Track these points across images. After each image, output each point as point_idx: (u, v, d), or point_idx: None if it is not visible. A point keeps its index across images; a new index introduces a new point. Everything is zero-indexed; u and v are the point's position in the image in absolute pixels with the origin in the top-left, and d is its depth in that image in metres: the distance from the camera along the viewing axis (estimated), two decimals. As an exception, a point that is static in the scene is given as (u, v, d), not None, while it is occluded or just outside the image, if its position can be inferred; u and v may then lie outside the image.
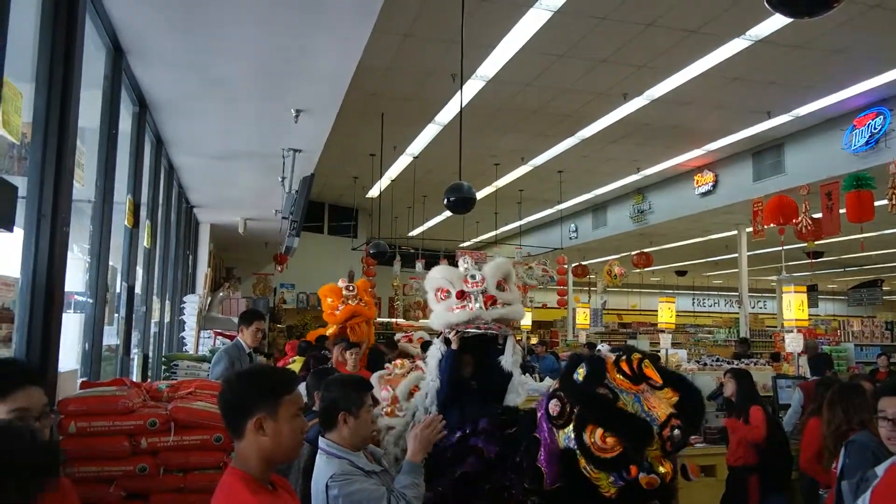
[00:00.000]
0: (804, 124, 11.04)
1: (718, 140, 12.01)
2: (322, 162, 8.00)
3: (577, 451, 2.51)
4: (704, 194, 13.67)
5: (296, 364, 6.48)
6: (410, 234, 19.58)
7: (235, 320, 6.89)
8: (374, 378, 4.49)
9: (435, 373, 3.66)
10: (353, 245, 18.65)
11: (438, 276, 3.76)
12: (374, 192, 15.68)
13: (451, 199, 7.88)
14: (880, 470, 2.66)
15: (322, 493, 2.48)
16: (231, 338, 6.77)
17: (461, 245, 19.91)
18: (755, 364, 10.77)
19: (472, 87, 9.64)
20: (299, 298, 20.46)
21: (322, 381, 3.07)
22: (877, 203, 9.92)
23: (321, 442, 2.64)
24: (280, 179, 7.13)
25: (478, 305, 3.53)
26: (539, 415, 2.82)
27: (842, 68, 8.86)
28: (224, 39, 4.44)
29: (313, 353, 6.34)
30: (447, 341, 3.65)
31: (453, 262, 16.58)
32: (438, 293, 3.73)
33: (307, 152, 6.99)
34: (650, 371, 2.59)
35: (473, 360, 3.78)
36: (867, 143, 10.05)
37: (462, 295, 3.57)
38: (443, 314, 3.68)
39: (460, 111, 8.36)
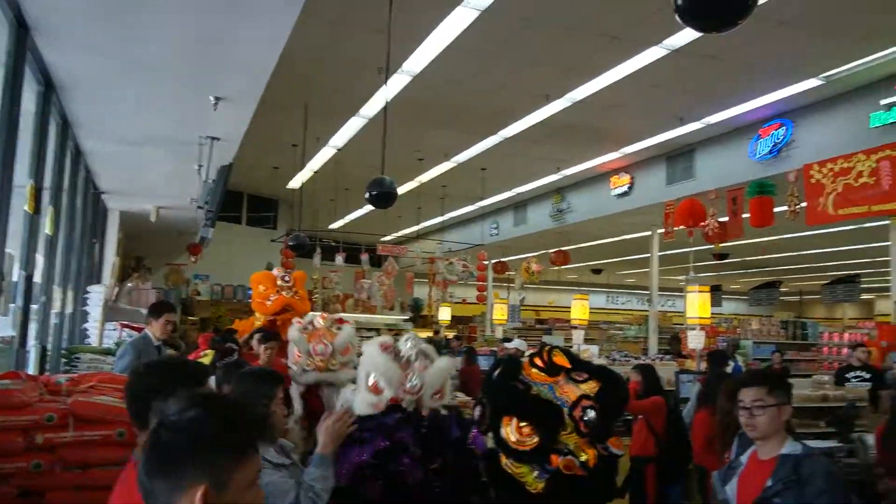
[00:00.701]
0: (714, 132, 11.57)
1: (635, 144, 12.44)
2: (242, 151, 7.80)
3: (497, 449, 2.52)
4: (620, 196, 14.13)
5: (207, 357, 6.29)
6: (332, 226, 19.36)
7: (144, 312, 6.63)
8: (294, 331, 4.39)
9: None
10: (273, 237, 18.28)
11: (379, 368, 3.11)
12: (295, 184, 15.40)
13: (373, 193, 7.84)
14: (744, 458, 2.85)
15: None
16: (139, 330, 6.52)
17: (383, 239, 19.87)
18: (661, 360, 11.25)
19: (398, 82, 9.60)
20: (214, 290, 19.88)
21: (232, 374, 2.99)
22: (777, 209, 10.54)
23: None
24: (196, 167, 6.91)
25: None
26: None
27: (749, 80, 9.34)
28: (142, 21, 4.26)
29: (217, 345, 6.15)
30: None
31: (374, 257, 16.34)
32: (370, 381, 3.38)
33: (226, 141, 6.80)
34: (560, 359, 2.64)
35: None
36: (770, 152, 10.64)
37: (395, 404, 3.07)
38: (367, 408, 3.40)
39: (385, 106, 8.34)
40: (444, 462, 2.66)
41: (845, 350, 14.34)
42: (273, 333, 5.63)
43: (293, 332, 4.39)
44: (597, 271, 28.59)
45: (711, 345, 13.79)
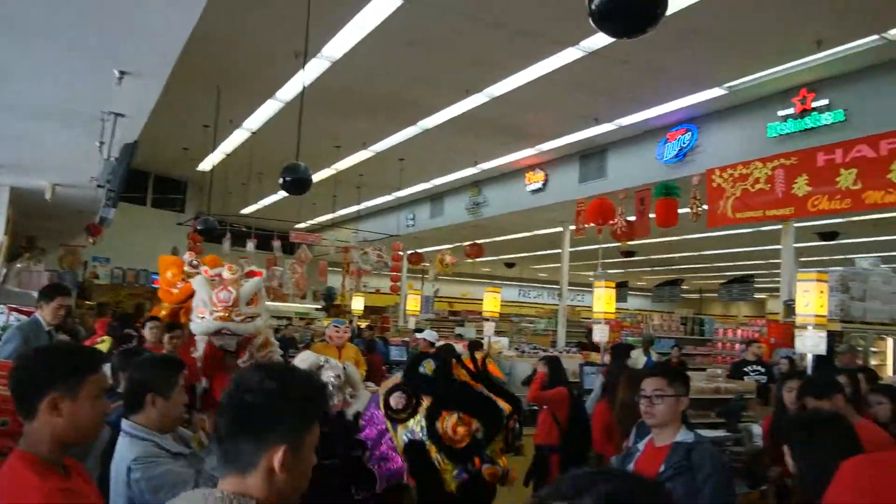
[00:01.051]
0: (625, 134, 11.97)
1: (550, 141, 12.70)
2: (149, 129, 7.44)
3: (427, 441, 2.52)
4: (535, 192, 14.41)
5: (104, 344, 5.99)
6: (243, 211, 18.82)
7: (35, 294, 6.22)
8: (199, 281, 4.19)
9: None
10: (180, 220, 17.58)
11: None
12: (206, 166, 14.86)
13: (287, 179, 7.68)
14: (641, 445, 2.99)
15: (123, 476, 2.34)
16: (29, 314, 6.11)
17: (297, 226, 19.48)
18: (568, 353, 11.58)
19: (316, 67, 9.41)
20: (115, 274, 18.94)
21: (129, 362, 2.87)
22: (681, 210, 11.03)
23: (124, 424, 2.48)
24: (98, 144, 6.53)
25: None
26: (368, 415, 2.78)
27: (659, 86, 9.71)
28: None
29: (115, 331, 5.87)
30: None
31: (287, 244, 16.02)
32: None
33: (131, 117, 6.47)
34: (493, 368, 2.72)
35: None
36: (676, 155, 11.12)
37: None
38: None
39: (302, 91, 8.17)
40: (335, 457, 2.63)
41: (738, 346, 15.22)
42: (177, 323, 5.30)
43: (198, 279, 4.15)
44: (510, 265, 29.13)
45: (616, 338, 14.35)
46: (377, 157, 14.21)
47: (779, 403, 4.75)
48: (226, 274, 4.28)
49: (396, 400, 2.63)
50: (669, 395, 2.83)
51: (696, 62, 8.85)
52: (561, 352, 11.85)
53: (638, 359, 10.63)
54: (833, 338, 8.51)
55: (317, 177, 15.72)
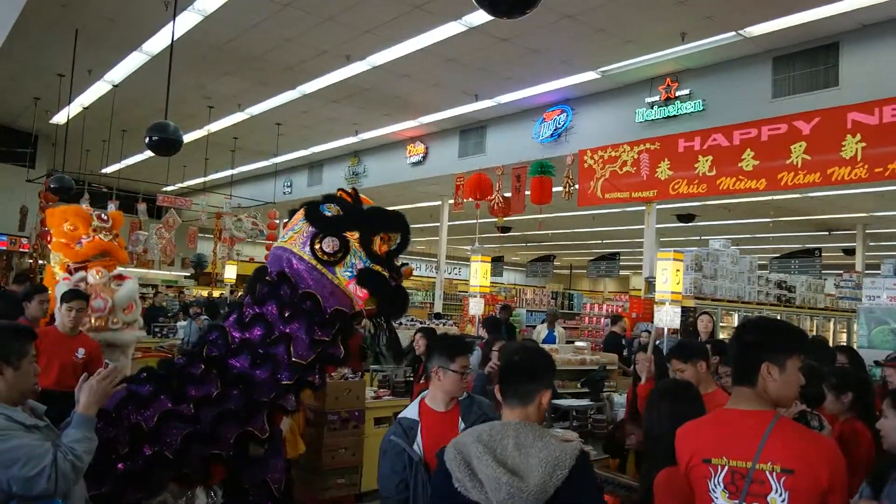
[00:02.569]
0: (504, 111, 12.19)
1: (431, 115, 12.72)
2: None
3: (371, 264, 2.86)
4: (415, 164, 14.42)
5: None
6: (104, 170, 17.51)
7: None
8: (64, 287, 3.88)
9: None
10: (30, 176, 16.09)
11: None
12: (60, 119, 13.66)
13: (154, 138, 7.23)
14: (412, 414, 3.17)
15: None
16: None
17: (165, 189, 18.42)
18: (444, 325, 11.75)
19: (187, 20, 8.87)
20: (-50, 233, 17.13)
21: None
22: (555, 189, 11.42)
23: None
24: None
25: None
26: (297, 268, 2.93)
27: (537, 66, 9.93)
28: None
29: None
30: None
31: (154, 207, 15.12)
32: None
33: (-33, 60, 5.79)
34: (365, 199, 3.10)
35: None
36: (552, 135, 11.47)
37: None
38: None
39: (171, 43, 7.66)
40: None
41: (603, 320, 16.08)
42: (78, 291, 4.64)
43: (61, 286, 3.87)
44: (389, 237, 29.04)
45: (490, 311, 14.74)
46: (253, 120, 13.66)
47: (634, 374, 5.05)
48: (92, 279, 3.99)
49: (331, 244, 2.83)
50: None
51: (572, 45, 9.11)
52: (437, 324, 12.01)
53: (540, 332, 11.03)
54: (687, 313, 9.17)
55: (188, 137, 14.90)
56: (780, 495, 1.88)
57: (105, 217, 5.70)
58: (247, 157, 16.85)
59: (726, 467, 1.96)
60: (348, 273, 2.86)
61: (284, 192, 18.57)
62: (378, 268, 2.89)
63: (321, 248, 2.85)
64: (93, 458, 2.35)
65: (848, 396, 3.55)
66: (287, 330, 2.88)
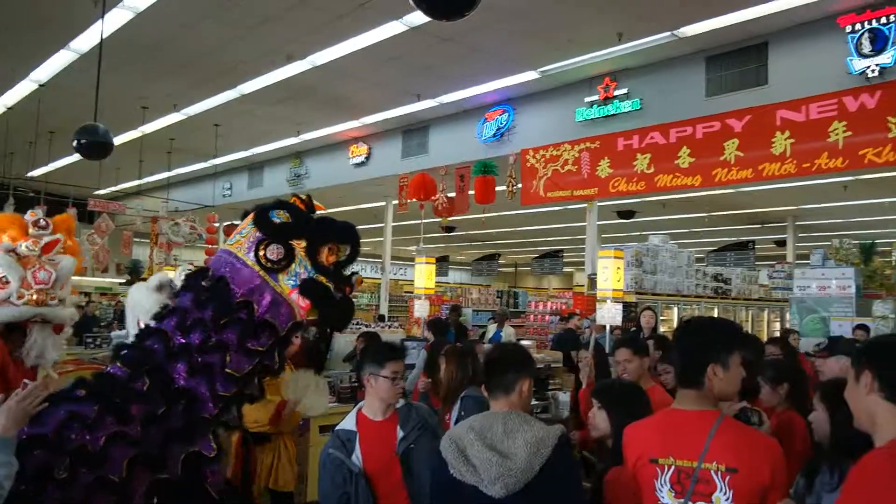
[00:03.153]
0: (447, 111, 12.19)
1: (373, 115, 12.62)
2: None
3: (316, 275, 2.78)
4: (358, 165, 14.30)
5: None
6: (31, 174, 16.77)
7: None
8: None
9: None
10: (-50, 181, 15.33)
11: (146, 306, 3.20)
12: (-19, 121, 13.04)
13: (83, 141, 6.97)
14: (349, 426, 3.08)
15: None
16: None
17: (96, 192, 17.77)
18: (390, 327, 11.69)
19: (118, 17, 8.56)
20: None
21: None
22: (498, 188, 11.49)
23: None
24: None
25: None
26: (229, 277, 2.79)
27: (478, 66, 9.97)
28: None
29: None
30: None
31: (86, 212, 14.52)
32: (141, 322, 3.23)
33: None
34: (319, 206, 3.04)
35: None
36: (494, 135, 11.54)
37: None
38: None
39: (101, 41, 7.38)
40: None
41: (548, 317, 16.30)
42: None
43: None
44: (333, 238, 28.71)
45: (436, 312, 14.74)
46: (190, 121, 13.29)
47: (576, 372, 5.12)
48: (24, 249, 3.71)
49: (275, 252, 2.76)
50: None
51: (512, 45, 9.18)
52: (383, 326, 11.94)
53: (489, 332, 11.09)
54: (629, 308, 9.35)
55: (120, 139, 14.41)
56: (725, 494, 1.92)
57: (44, 223, 5.29)
58: (184, 158, 16.40)
59: (673, 467, 1.99)
60: (291, 282, 2.81)
61: (224, 195, 18.14)
62: (322, 279, 2.84)
63: (265, 254, 2.79)
64: (26, 487, 2.21)
65: (783, 388, 3.66)
66: (223, 338, 2.80)
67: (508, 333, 10.81)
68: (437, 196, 12.28)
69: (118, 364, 2.77)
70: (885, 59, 7.37)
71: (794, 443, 3.25)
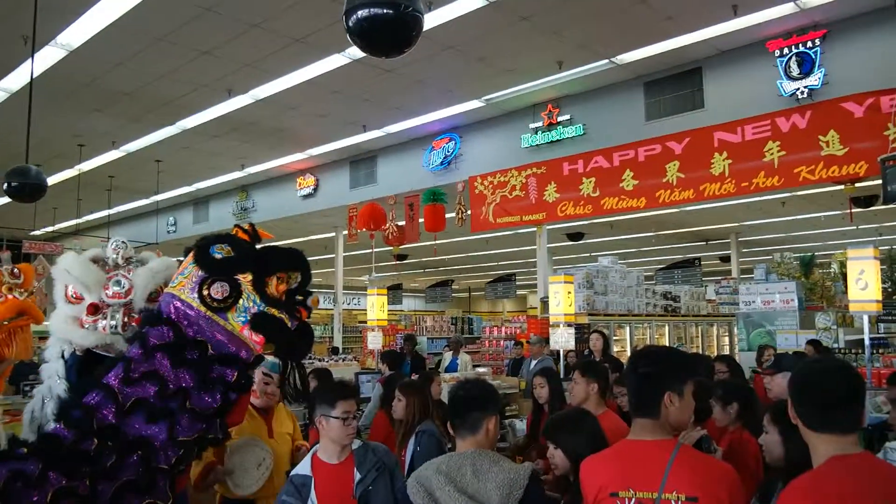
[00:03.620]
0: (393, 141, 12.20)
1: (320, 146, 12.54)
2: None
3: (266, 308, 2.65)
4: (306, 197, 14.16)
5: None
6: (-38, 217, 16.11)
7: None
8: (74, 260, 3.29)
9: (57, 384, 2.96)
10: None
11: (75, 272, 2.90)
12: None
13: (13, 184, 6.69)
14: (305, 470, 2.98)
15: None
16: None
17: (32, 234, 17.14)
18: (344, 360, 11.49)
19: (50, 55, 8.33)
20: None
21: None
22: (448, 215, 11.50)
23: None
24: None
25: (113, 324, 2.82)
26: (176, 316, 2.64)
27: (423, 96, 10.02)
28: None
29: None
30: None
31: (20, 254, 13.96)
32: (70, 290, 2.95)
33: None
34: (264, 233, 2.88)
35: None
36: (442, 163, 11.58)
37: (95, 309, 2.82)
38: (64, 326, 2.90)
39: (31, 80, 7.15)
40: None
41: (503, 342, 16.27)
42: None
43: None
44: (284, 270, 28.30)
45: (391, 342, 14.58)
46: (130, 158, 12.96)
47: (534, 399, 5.07)
48: (112, 252, 3.15)
49: (220, 290, 2.62)
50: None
51: (456, 75, 9.26)
52: (336, 360, 11.73)
53: (445, 360, 10.96)
54: (582, 330, 9.41)
55: (57, 178, 13.98)
56: None
57: (17, 272, 5.00)
58: (125, 196, 15.97)
59: (633, 499, 1.97)
60: (242, 318, 2.69)
61: (168, 231, 17.72)
62: (274, 311, 2.73)
63: (209, 293, 2.66)
64: None
65: (734, 407, 3.70)
66: (182, 384, 2.66)
67: (464, 361, 10.74)
68: (387, 225, 12.22)
69: (62, 425, 2.60)
70: (812, 80, 7.68)
71: (747, 462, 3.26)
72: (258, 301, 2.69)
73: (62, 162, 12.77)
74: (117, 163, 13.24)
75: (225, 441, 2.94)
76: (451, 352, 11.09)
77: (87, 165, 13.24)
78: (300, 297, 2.86)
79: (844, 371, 1.81)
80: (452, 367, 10.36)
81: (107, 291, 2.80)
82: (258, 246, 2.88)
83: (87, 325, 2.81)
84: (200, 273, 2.71)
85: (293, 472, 2.84)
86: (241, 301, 2.68)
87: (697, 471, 1.97)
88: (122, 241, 3.08)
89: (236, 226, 2.90)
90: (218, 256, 2.71)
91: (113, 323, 2.82)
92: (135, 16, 7.40)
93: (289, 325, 2.73)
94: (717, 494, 1.92)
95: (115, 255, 2.91)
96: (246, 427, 3.51)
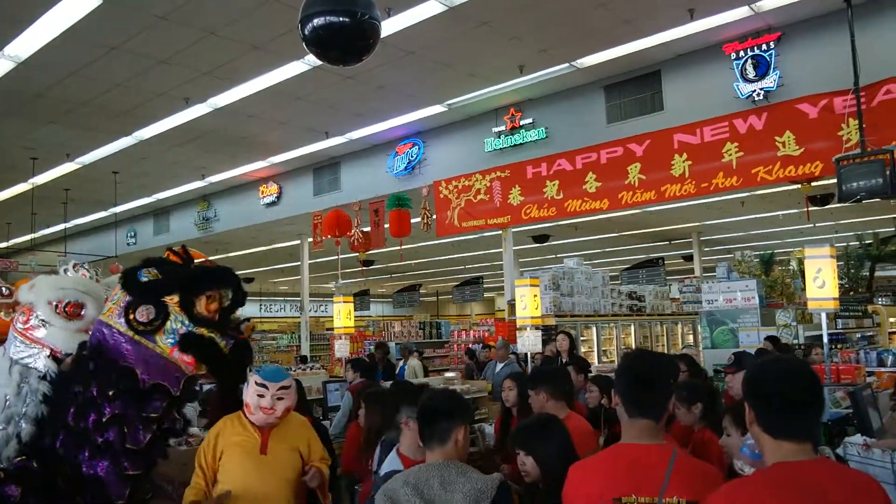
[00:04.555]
0: (357, 147, 12.12)
1: (282, 154, 12.39)
2: None
3: (195, 329, 2.63)
4: (269, 205, 13.98)
5: None
6: (-90, 234, 15.58)
7: None
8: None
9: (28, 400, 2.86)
10: None
11: (68, 285, 2.97)
12: None
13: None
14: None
15: None
16: None
17: (-14, 250, 16.63)
18: (311, 369, 11.36)
19: (-1, 66, 8.09)
20: None
21: None
22: (413, 220, 11.46)
23: None
24: None
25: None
26: (104, 342, 2.64)
27: (385, 101, 9.96)
28: None
29: None
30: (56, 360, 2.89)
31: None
32: (63, 306, 2.93)
33: None
34: (197, 254, 2.88)
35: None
36: (406, 168, 11.54)
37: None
38: (74, 335, 2.89)
39: (-23, 93, 6.94)
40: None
41: (471, 346, 16.26)
42: None
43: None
44: (248, 280, 27.99)
45: (359, 349, 14.48)
46: (86, 170, 12.66)
47: (503, 402, 5.06)
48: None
49: (145, 313, 2.62)
50: None
51: (417, 80, 9.23)
52: (304, 369, 11.58)
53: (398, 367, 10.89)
54: (549, 332, 9.44)
55: (8, 192, 13.60)
56: None
57: (6, 291, 4.82)
58: (82, 208, 15.60)
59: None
60: (170, 340, 2.67)
61: (128, 244, 17.36)
62: (203, 330, 2.70)
63: (135, 317, 2.64)
64: None
65: (698, 407, 3.73)
66: (116, 412, 2.61)
67: (412, 366, 10.69)
68: (353, 231, 12.14)
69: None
70: (768, 83, 7.83)
71: (711, 462, 3.29)
72: (186, 322, 2.67)
73: (15, 175, 12.43)
74: (73, 175, 12.92)
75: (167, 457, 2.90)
76: (403, 359, 11.04)
77: (40, 179, 12.90)
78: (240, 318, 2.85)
79: (805, 374, 1.76)
80: (401, 374, 10.31)
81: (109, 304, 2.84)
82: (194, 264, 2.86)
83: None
84: (127, 298, 2.69)
85: (383, 470, 2.95)
86: (168, 323, 2.66)
87: (696, 475, 1.98)
88: (81, 265, 3.14)
89: (169, 249, 2.88)
90: (144, 280, 2.70)
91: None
92: (86, 25, 7.22)
93: (221, 344, 2.69)
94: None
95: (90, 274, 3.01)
96: (234, 441, 3.22)
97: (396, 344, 15.22)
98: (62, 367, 2.82)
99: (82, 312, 2.89)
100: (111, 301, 2.75)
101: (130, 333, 2.63)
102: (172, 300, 2.66)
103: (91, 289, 2.97)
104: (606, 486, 1.98)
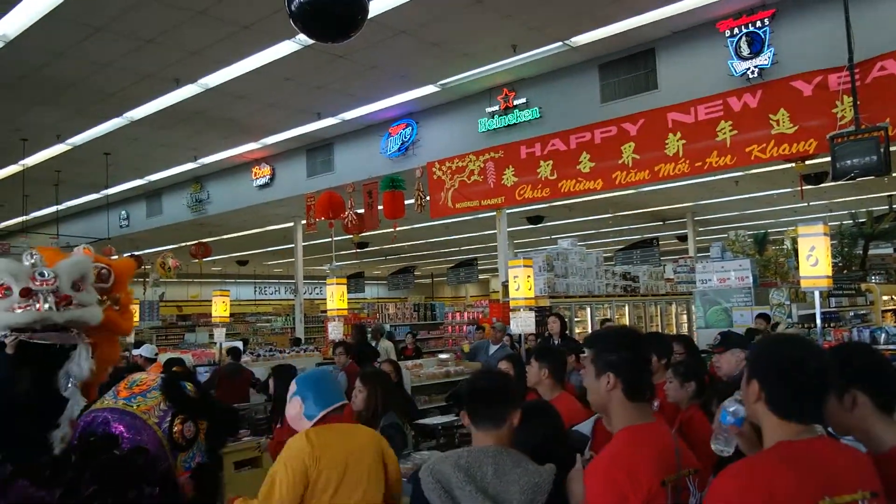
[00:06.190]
0: (350, 128, 12.03)
1: (275, 135, 12.30)
2: None
3: (206, 460, 2.56)
4: (262, 187, 13.91)
5: None
6: None
7: None
8: None
9: None
10: None
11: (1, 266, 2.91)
12: None
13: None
14: None
15: None
16: None
17: (-23, 233, 16.53)
18: (306, 351, 11.37)
19: (-16, 47, 7.97)
20: None
21: None
22: (407, 202, 11.41)
23: None
24: None
25: (47, 306, 2.82)
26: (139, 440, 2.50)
27: (377, 82, 9.87)
28: None
29: None
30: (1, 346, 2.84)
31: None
32: None
33: None
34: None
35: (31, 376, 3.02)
36: (399, 149, 11.46)
37: (28, 293, 2.82)
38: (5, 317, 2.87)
39: (-36, 73, 6.84)
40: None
41: (465, 328, 16.28)
42: None
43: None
44: (242, 262, 27.95)
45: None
46: (77, 151, 12.54)
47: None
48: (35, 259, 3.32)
49: (190, 430, 2.52)
50: None
51: (409, 60, 9.14)
52: (298, 351, 11.61)
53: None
54: (543, 312, 9.45)
55: (-1, 175, 13.48)
56: (695, 496, 1.94)
57: (107, 272, 4.89)
58: (74, 190, 15.49)
59: (670, 483, 1.92)
60: (186, 464, 2.60)
61: (121, 226, 17.27)
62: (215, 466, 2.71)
63: (181, 430, 2.56)
64: None
65: (692, 385, 3.74)
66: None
67: (384, 347, 10.61)
68: (346, 213, 12.08)
69: None
70: (762, 60, 7.77)
71: (698, 439, 3.31)
72: (204, 451, 2.62)
73: (5, 157, 12.32)
74: (64, 157, 12.80)
75: None
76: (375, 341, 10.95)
77: (31, 160, 12.77)
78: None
79: (823, 356, 1.69)
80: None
81: (34, 282, 2.80)
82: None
83: (17, 310, 2.84)
84: (169, 405, 2.58)
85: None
86: (192, 448, 2.58)
87: (695, 446, 2.12)
88: (36, 252, 3.21)
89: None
90: (189, 395, 2.63)
91: (46, 305, 2.89)
92: (73, 4, 7.11)
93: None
94: (706, 465, 2.06)
95: (31, 261, 2.98)
96: None
97: (391, 325, 15.26)
98: None
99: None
100: (132, 391, 2.63)
101: (165, 442, 2.50)
102: (202, 425, 2.62)
103: (22, 272, 2.98)
104: (654, 468, 1.90)
